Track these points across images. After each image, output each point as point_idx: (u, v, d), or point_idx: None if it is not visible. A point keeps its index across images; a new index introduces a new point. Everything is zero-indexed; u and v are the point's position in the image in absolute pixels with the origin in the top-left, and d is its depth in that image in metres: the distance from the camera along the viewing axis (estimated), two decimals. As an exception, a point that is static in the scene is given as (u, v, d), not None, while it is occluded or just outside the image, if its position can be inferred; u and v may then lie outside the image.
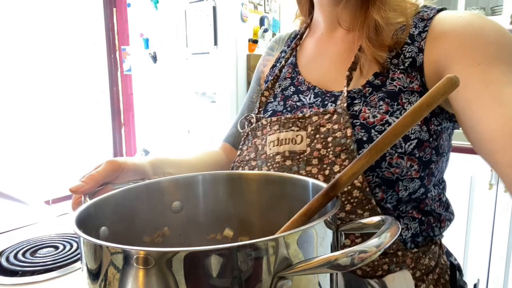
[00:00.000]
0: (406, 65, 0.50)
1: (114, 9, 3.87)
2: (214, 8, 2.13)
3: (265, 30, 2.29)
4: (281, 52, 0.71)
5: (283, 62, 0.66)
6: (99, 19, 3.83)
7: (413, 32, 0.51)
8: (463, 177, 1.59)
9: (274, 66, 0.70)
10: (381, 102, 0.49)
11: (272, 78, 0.65)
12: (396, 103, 0.48)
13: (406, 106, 0.48)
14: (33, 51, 3.09)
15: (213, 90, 2.25)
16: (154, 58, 2.51)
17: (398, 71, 0.50)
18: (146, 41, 2.53)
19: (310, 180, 0.39)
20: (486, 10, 1.90)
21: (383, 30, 0.52)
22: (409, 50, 0.50)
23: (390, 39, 0.51)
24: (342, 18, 0.57)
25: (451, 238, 1.61)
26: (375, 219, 0.30)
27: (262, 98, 0.64)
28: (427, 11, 0.52)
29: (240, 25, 2.17)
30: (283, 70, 0.66)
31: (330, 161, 0.48)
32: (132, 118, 3.34)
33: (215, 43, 2.16)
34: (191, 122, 2.40)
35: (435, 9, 0.52)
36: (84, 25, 3.56)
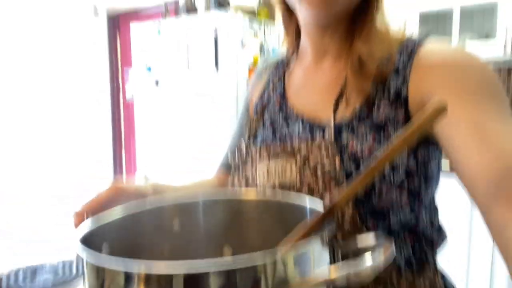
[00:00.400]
0: (391, 96, 0.50)
1: (118, 32, 3.97)
2: (216, 36, 2.18)
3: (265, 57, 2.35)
4: (268, 79, 0.70)
5: (271, 90, 0.65)
6: (103, 42, 3.92)
7: (398, 64, 0.51)
8: (463, 201, 1.58)
9: (262, 93, 0.69)
10: (368, 134, 0.50)
11: (260, 106, 0.65)
12: (383, 135, 0.49)
13: (393, 138, 0.48)
14: (37, 77, 3.14)
15: (214, 115, 2.28)
16: (157, 82, 2.55)
17: (384, 102, 0.51)
18: (149, 68, 2.58)
19: (308, 205, 0.40)
20: (480, 34, 1.95)
21: (368, 61, 0.52)
22: (394, 81, 0.51)
23: (375, 70, 0.52)
24: (329, 47, 0.58)
25: (451, 263, 1.60)
26: (370, 239, 0.31)
27: (252, 125, 0.64)
28: (412, 43, 0.52)
29: (240, 51, 2.22)
30: (271, 98, 0.65)
31: (320, 193, 0.49)
32: (133, 143, 3.35)
33: (216, 68, 2.21)
34: (192, 145, 2.41)
35: (420, 40, 0.52)
36: (88, 48, 3.65)
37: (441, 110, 0.26)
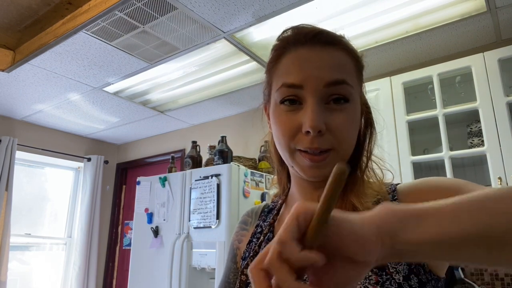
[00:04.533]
0: None
1: (124, 186, 4.11)
2: (218, 185, 2.25)
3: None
4: (256, 227, 0.69)
5: (261, 238, 0.63)
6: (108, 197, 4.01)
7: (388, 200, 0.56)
8: None
9: (250, 241, 0.67)
10: (370, 272, 0.50)
11: (250, 255, 0.62)
12: (384, 273, 0.49)
13: (394, 275, 0.49)
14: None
15: (213, 266, 2.15)
16: (156, 233, 2.50)
17: None
18: (150, 215, 2.58)
19: None
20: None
21: (361, 211, 0.55)
22: None
23: None
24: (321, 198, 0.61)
25: None
26: None
27: (242, 277, 0.60)
28: (389, 187, 0.59)
29: (242, 200, 2.26)
30: (262, 246, 0.63)
31: None
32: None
33: (217, 218, 2.20)
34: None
35: (393, 184, 0.60)
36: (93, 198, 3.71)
37: (341, 173, 0.31)
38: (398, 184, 0.60)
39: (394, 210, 0.35)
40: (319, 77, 0.54)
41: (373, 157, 0.62)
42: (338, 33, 0.60)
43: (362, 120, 0.61)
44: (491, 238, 0.33)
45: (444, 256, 0.35)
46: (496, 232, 0.33)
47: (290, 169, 0.60)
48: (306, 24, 0.59)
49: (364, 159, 0.61)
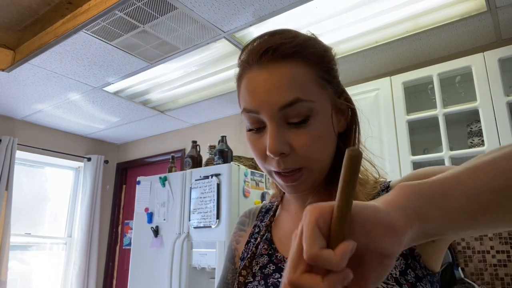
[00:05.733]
0: None
1: (124, 186, 4.11)
2: (219, 185, 2.25)
3: (267, 205, 2.37)
4: (254, 227, 0.70)
5: (258, 239, 0.64)
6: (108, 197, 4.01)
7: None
8: None
9: (248, 242, 0.68)
10: None
11: (248, 255, 0.63)
12: None
13: (391, 270, 0.48)
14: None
15: (213, 265, 2.15)
16: (156, 232, 2.50)
17: None
18: (150, 215, 2.58)
19: None
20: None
21: None
22: None
23: None
24: (313, 202, 0.60)
25: None
26: None
27: (240, 278, 0.60)
28: (383, 184, 0.59)
29: (242, 200, 2.25)
30: (259, 247, 0.64)
31: None
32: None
33: (218, 217, 2.20)
34: (187, 302, 2.20)
35: (387, 182, 0.60)
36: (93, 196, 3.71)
37: (354, 159, 0.29)
38: (391, 181, 0.60)
39: (414, 187, 0.34)
40: (270, 102, 0.52)
41: (365, 157, 0.61)
42: (302, 33, 0.57)
43: (346, 118, 0.60)
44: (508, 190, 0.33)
45: (473, 224, 0.34)
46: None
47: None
48: (262, 36, 0.56)
49: None
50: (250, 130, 0.57)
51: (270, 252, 0.61)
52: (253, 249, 0.63)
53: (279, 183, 0.56)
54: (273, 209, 0.69)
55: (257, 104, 0.53)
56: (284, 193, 0.68)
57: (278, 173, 0.55)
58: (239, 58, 0.58)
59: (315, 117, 0.53)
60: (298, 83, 0.52)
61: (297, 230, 0.31)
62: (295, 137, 0.53)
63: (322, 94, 0.55)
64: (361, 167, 0.61)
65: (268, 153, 0.52)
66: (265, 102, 0.52)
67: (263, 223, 0.68)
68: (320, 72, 0.55)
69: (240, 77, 0.58)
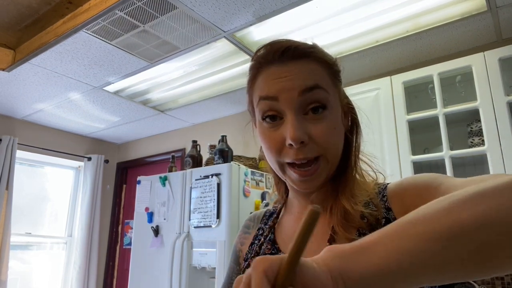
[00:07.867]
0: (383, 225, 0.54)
1: (124, 185, 4.12)
2: (219, 185, 2.25)
3: (266, 205, 2.37)
4: (258, 230, 0.72)
5: (262, 239, 0.67)
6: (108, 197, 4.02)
7: (377, 202, 0.58)
8: None
9: (252, 243, 0.70)
10: None
11: (252, 255, 0.65)
12: None
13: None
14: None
15: (213, 265, 2.16)
16: (156, 232, 2.50)
17: None
18: (150, 214, 2.58)
19: None
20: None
21: (352, 214, 0.57)
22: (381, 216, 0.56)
23: (358, 221, 0.56)
24: (315, 202, 0.62)
25: None
26: None
27: None
28: (381, 186, 0.60)
29: (242, 199, 2.26)
30: (262, 247, 0.66)
31: None
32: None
33: (218, 217, 2.20)
34: (187, 301, 2.20)
35: (385, 184, 0.61)
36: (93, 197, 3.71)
37: (313, 219, 0.31)
38: (389, 183, 0.62)
39: (337, 250, 0.35)
40: (291, 87, 0.55)
41: (364, 157, 0.64)
42: (310, 42, 0.61)
43: (348, 120, 0.64)
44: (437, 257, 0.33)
45: (402, 284, 0.34)
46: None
47: (286, 181, 0.63)
48: (277, 40, 0.61)
49: (353, 157, 0.63)
50: (264, 119, 0.58)
51: (273, 252, 0.63)
52: (257, 249, 0.66)
53: (293, 177, 0.57)
54: (276, 212, 0.72)
55: (277, 90, 0.56)
56: (287, 196, 0.70)
57: (293, 167, 0.57)
58: (255, 57, 0.61)
59: (329, 110, 0.57)
60: (316, 74, 0.57)
61: (244, 276, 0.33)
62: (313, 127, 0.56)
63: (334, 90, 0.60)
64: (360, 168, 0.63)
65: (289, 141, 0.54)
66: (286, 88, 0.56)
67: (267, 226, 0.70)
68: (332, 73, 0.60)
69: (256, 74, 0.60)
